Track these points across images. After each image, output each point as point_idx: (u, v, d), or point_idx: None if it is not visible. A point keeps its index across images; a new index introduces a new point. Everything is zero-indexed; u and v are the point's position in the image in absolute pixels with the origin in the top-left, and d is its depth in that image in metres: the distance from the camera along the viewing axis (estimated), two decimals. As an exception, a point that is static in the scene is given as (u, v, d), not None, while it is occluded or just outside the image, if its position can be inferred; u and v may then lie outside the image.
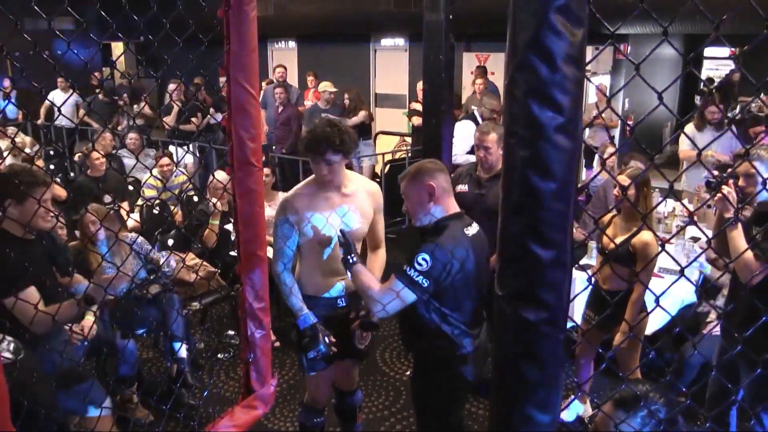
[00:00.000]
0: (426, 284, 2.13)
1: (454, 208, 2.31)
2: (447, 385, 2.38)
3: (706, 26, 6.49)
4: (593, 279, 3.16)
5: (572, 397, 3.47)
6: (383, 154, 7.24)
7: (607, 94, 6.89)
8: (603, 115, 6.85)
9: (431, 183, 2.23)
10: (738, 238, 2.46)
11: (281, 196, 2.60)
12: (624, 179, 3.10)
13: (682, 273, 1.09)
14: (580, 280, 3.70)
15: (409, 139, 8.18)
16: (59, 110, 1.40)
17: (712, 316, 3.62)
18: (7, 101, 8.37)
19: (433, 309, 2.25)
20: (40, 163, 5.62)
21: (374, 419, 3.54)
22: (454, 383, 2.37)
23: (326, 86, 7.07)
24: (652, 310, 1.20)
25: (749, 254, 2.39)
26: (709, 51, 10.67)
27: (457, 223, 2.26)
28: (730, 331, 2.65)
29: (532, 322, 0.97)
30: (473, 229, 2.31)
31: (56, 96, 8.29)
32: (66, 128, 8.14)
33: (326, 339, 2.52)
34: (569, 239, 0.95)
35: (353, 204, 2.54)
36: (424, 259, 2.12)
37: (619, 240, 2.97)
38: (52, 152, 7.67)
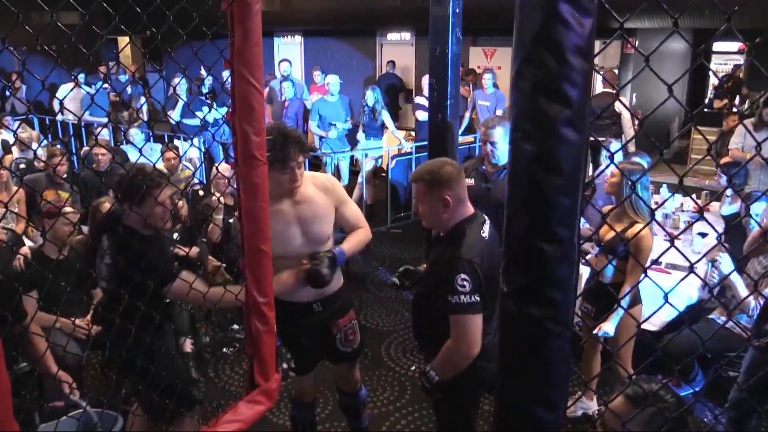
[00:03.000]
0: (478, 299, 2.12)
1: (468, 211, 2.29)
2: (461, 381, 2.36)
3: (715, 21, 6.42)
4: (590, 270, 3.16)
5: (579, 393, 3.46)
6: (389, 149, 7.22)
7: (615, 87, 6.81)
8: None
9: (447, 196, 2.19)
10: None
11: None
12: (615, 173, 3.13)
13: (691, 269, 1.07)
14: (585, 275, 3.69)
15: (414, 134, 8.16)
16: (61, 104, 1.39)
17: (716, 312, 3.61)
18: (11, 96, 8.38)
19: None
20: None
21: (379, 414, 3.53)
22: (468, 379, 2.35)
23: (331, 79, 7.05)
24: (661, 307, 1.18)
25: None
26: (717, 46, 10.58)
27: (473, 226, 2.24)
28: None
29: (537, 318, 0.95)
30: (487, 228, 2.29)
31: (65, 90, 8.30)
32: (72, 123, 8.16)
33: None
34: (576, 235, 0.93)
35: (307, 210, 2.49)
36: (464, 279, 2.10)
37: (613, 232, 2.98)
38: (60, 146, 7.68)
